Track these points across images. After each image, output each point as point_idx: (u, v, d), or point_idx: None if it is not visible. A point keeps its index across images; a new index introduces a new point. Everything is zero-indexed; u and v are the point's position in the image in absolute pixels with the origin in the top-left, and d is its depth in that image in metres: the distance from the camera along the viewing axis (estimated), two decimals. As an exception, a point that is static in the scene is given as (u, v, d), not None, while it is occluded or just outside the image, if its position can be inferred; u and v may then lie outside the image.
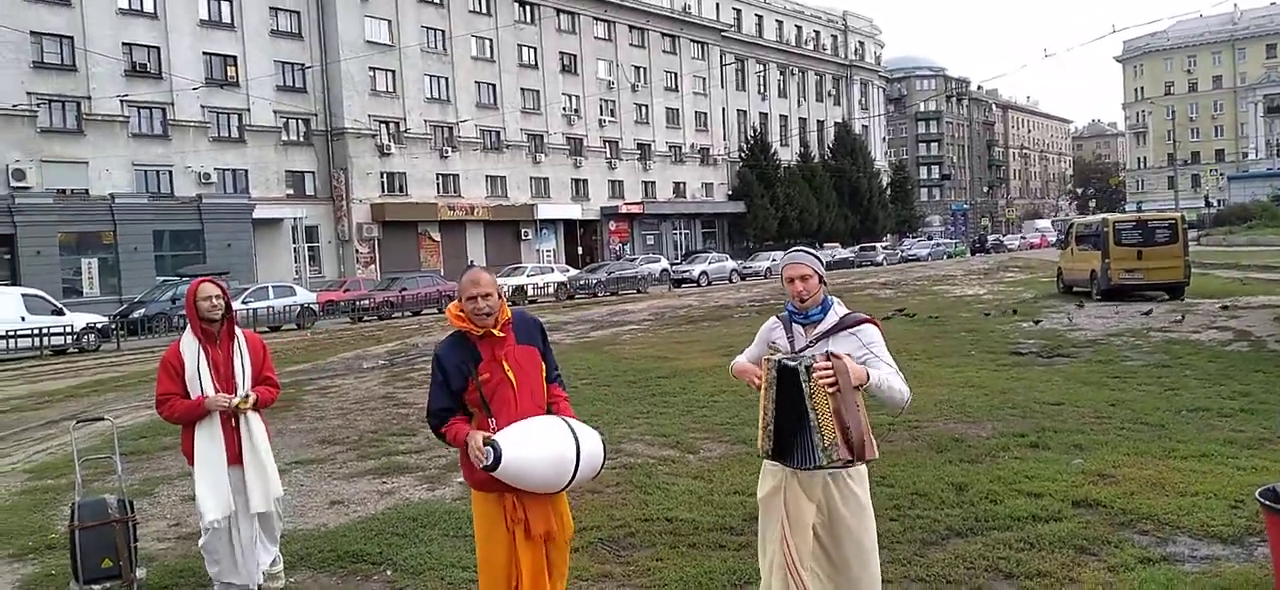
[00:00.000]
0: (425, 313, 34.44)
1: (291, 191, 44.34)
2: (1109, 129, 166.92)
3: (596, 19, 58.01)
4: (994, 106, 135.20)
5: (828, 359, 3.29)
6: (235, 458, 4.75)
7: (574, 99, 56.63)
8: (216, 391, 4.68)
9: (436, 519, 6.26)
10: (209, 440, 4.70)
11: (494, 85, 52.30)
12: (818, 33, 79.28)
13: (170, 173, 40.21)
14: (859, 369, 3.32)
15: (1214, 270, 30.06)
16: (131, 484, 7.31)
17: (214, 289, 4.78)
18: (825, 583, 3.50)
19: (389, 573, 5.31)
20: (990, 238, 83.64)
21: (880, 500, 5.46)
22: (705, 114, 66.30)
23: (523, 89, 53.79)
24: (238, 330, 4.90)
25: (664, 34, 62.69)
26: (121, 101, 38.36)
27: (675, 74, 63.53)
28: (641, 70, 61.24)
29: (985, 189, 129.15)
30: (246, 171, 42.71)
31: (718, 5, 68.13)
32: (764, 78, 72.94)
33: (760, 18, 73.31)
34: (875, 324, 3.58)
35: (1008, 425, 8.16)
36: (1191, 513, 5.46)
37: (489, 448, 3.46)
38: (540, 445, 3.54)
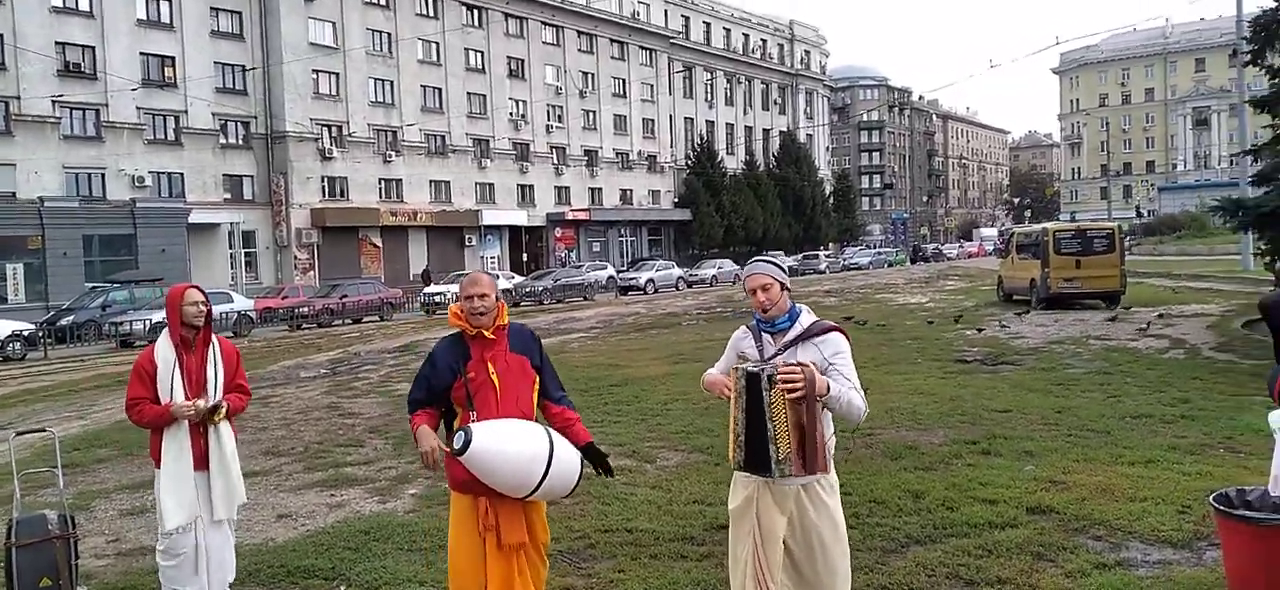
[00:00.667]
0: (366, 321, 33.90)
1: (229, 195, 43.36)
2: (1045, 140, 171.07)
3: (545, 24, 57.79)
4: (934, 117, 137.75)
5: (797, 365, 3.26)
6: (201, 463, 4.67)
7: (521, 104, 56.33)
8: (186, 398, 4.59)
9: (389, 532, 6.12)
10: (176, 445, 4.61)
11: (440, 89, 51.79)
12: (764, 41, 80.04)
13: (103, 175, 39.06)
14: (821, 379, 3.28)
15: (1147, 279, 30.92)
16: (69, 498, 7.03)
17: (199, 295, 4.72)
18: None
19: (342, 588, 5.17)
20: (929, 247, 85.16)
21: (840, 509, 5.47)
22: (653, 121, 66.45)
23: (469, 93, 53.33)
24: (214, 338, 4.81)
25: (612, 40, 62.70)
26: (53, 102, 37.17)
27: (623, 80, 63.57)
28: (589, 76, 61.18)
29: (925, 198, 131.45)
30: (183, 175, 41.67)
31: (666, 12, 68.38)
32: (711, 85, 73.40)
33: (708, 25, 73.76)
34: (843, 333, 3.56)
35: (959, 432, 8.25)
36: (1142, 518, 5.56)
37: (461, 432, 3.53)
38: (512, 442, 3.59)
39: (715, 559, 5.24)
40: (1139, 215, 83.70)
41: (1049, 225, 24.93)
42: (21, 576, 4.48)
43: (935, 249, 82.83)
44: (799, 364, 3.29)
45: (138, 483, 7.91)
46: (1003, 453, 7.40)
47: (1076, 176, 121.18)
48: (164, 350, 4.64)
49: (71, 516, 4.86)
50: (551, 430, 3.75)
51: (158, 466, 4.65)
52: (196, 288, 4.78)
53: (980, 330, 17.53)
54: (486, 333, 3.80)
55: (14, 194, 35.71)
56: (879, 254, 71.72)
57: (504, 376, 3.79)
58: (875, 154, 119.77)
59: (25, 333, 25.28)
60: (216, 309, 30.90)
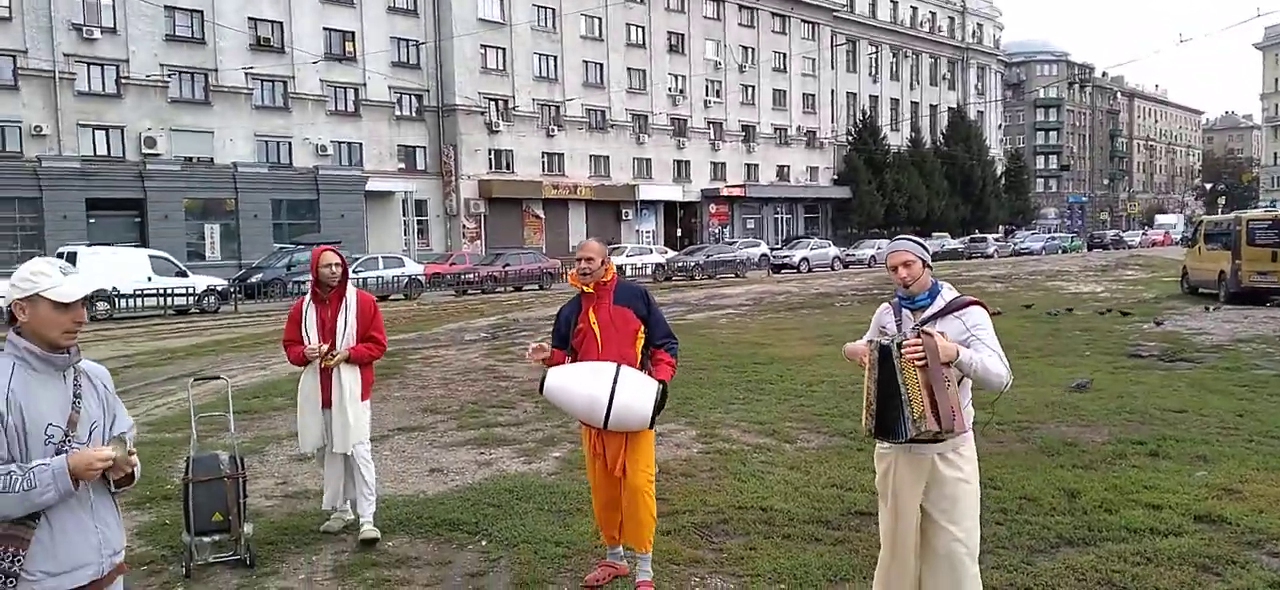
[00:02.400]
0: (527, 289, 34.92)
1: (403, 165, 45.49)
2: (1243, 121, 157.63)
3: (706, -1, 57.57)
4: (1119, 95, 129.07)
5: (918, 336, 3.43)
6: (327, 401, 5.47)
7: (680, 79, 56.42)
8: (318, 343, 5.41)
9: (532, 492, 6.31)
10: (308, 384, 5.50)
11: (601, 64, 52.52)
12: (934, 14, 77.00)
13: (289, 144, 41.72)
14: (950, 345, 3.42)
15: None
16: (242, 442, 7.59)
17: (335, 257, 5.49)
18: (929, 549, 3.66)
19: (484, 543, 5.37)
20: (1109, 233, 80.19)
21: (987, 504, 5.22)
22: (813, 96, 65.19)
23: (629, 68, 53.85)
24: (350, 292, 5.53)
25: (774, 14, 61.81)
26: (246, 74, 39.97)
27: (784, 55, 62.61)
28: (749, 50, 60.56)
29: (1106, 181, 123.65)
30: (361, 145, 44.00)
31: (830, -14, 66.81)
32: (876, 60, 71.27)
33: (873, -1, 71.65)
34: (982, 307, 3.68)
35: (1125, 431, 7.75)
36: (1328, 535, 5.08)
37: (545, 374, 4.39)
38: (579, 382, 4.34)
39: (849, 544, 5.15)
40: (1353, 205, 76.04)
41: (1243, 214, 22.94)
42: (197, 510, 4.90)
43: (1115, 235, 77.87)
44: (922, 332, 3.45)
45: (306, 432, 8.44)
46: (1172, 455, 6.90)
47: (1278, 162, 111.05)
48: (308, 301, 5.49)
49: (241, 458, 5.25)
50: (626, 375, 4.31)
51: None
52: (333, 250, 5.54)
53: (1159, 323, 16.40)
54: (587, 289, 4.52)
55: (212, 160, 38.67)
56: (1052, 238, 67.97)
57: (604, 327, 4.48)
58: (1052, 133, 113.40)
59: (219, 288, 27.44)
60: (389, 273, 33.02)
